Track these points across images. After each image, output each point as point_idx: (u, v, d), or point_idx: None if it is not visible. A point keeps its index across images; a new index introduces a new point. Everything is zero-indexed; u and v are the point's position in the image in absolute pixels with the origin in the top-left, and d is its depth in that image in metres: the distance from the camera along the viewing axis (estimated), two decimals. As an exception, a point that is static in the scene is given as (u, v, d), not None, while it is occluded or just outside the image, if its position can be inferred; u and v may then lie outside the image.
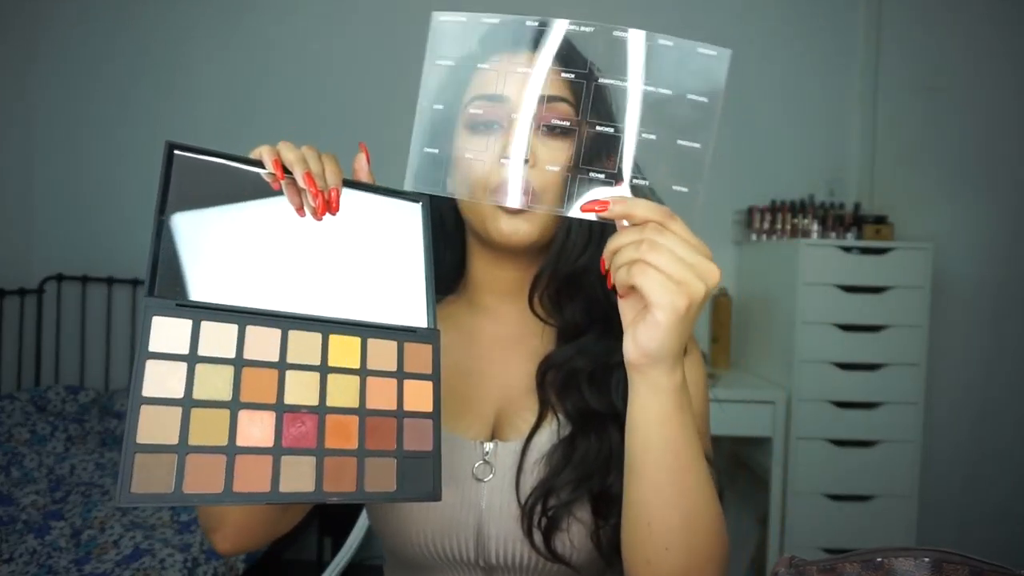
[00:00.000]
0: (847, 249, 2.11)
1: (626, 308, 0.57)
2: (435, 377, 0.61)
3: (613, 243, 0.54)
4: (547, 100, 0.68)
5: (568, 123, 0.69)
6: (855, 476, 2.09)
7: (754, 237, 2.45)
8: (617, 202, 0.55)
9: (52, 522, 1.70)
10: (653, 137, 0.57)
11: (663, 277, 0.52)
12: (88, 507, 1.79)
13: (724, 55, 0.55)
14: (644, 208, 0.54)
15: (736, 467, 2.53)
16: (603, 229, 0.71)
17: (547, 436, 0.73)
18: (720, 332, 2.47)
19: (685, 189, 0.55)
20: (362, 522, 1.86)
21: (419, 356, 0.61)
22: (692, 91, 0.56)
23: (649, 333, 0.54)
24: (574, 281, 0.74)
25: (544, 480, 0.70)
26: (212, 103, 2.63)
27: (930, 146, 2.40)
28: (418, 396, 0.60)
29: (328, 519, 2.36)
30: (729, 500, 2.53)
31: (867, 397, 2.09)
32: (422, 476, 0.58)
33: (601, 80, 0.60)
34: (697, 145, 0.55)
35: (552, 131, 0.69)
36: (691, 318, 0.54)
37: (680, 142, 0.55)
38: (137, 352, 0.52)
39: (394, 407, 0.59)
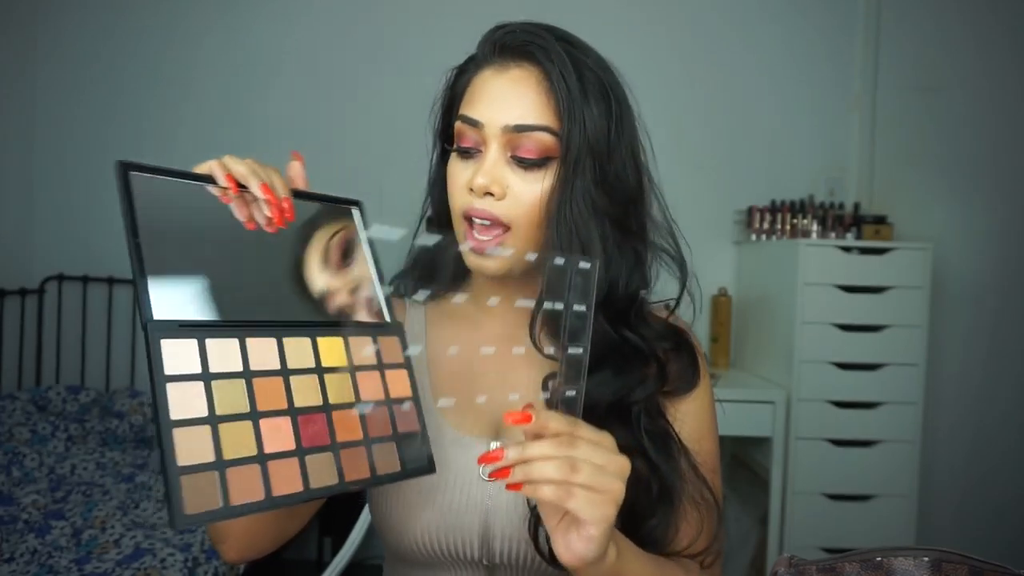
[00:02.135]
0: (847, 249, 2.11)
1: (549, 513, 0.57)
2: (408, 365, 0.66)
3: (527, 453, 0.54)
4: (524, 128, 0.68)
5: (547, 157, 0.69)
6: (855, 476, 2.09)
7: (754, 237, 2.45)
8: (538, 417, 0.56)
9: (53, 522, 1.70)
10: (551, 350, 0.64)
11: (590, 494, 0.53)
12: (89, 507, 1.79)
13: (595, 265, 0.62)
14: (556, 421, 0.55)
15: (736, 467, 2.53)
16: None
17: None
18: (720, 332, 2.47)
19: (573, 393, 0.62)
20: (362, 522, 1.86)
21: (391, 348, 0.66)
22: (576, 303, 0.63)
23: (585, 545, 0.54)
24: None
25: None
26: (213, 103, 2.63)
27: (930, 146, 2.40)
28: (398, 383, 0.64)
29: (328, 519, 2.36)
30: (729, 500, 2.54)
31: (867, 397, 2.09)
32: (418, 454, 0.63)
33: (520, 303, 0.68)
34: (580, 351, 0.63)
35: (523, 162, 0.69)
36: (615, 516, 0.55)
37: (569, 350, 0.63)
38: (154, 377, 0.52)
39: (383, 396, 0.63)
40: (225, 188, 0.60)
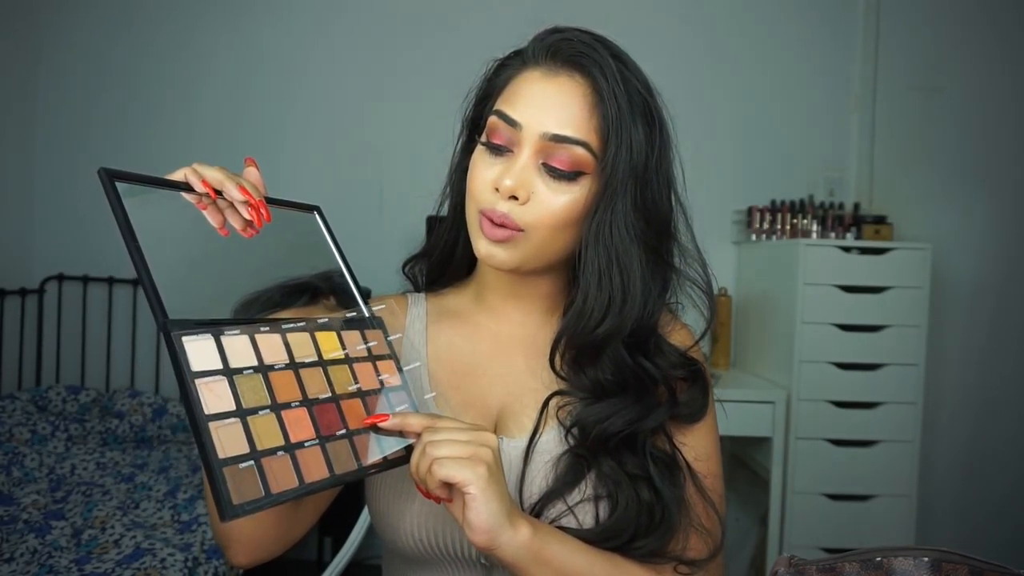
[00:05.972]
0: (847, 249, 2.11)
1: (455, 510, 0.62)
2: (393, 355, 0.70)
3: (412, 466, 0.61)
4: (562, 139, 0.67)
5: (578, 172, 0.68)
6: (855, 476, 2.09)
7: (754, 237, 2.45)
8: (395, 417, 0.63)
9: (53, 522, 1.70)
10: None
11: (455, 460, 0.58)
12: (89, 507, 1.79)
13: None
14: (416, 419, 0.63)
15: (736, 467, 2.53)
16: (624, 297, 0.70)
17: (553, 435, 0.73)
18: (720, 332, 2.48)
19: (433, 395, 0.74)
20: (362, 522, 1.86)
21: (377, 339, 0.69)
22: None
23: (474, 509, 0.59)
24: (594, 348, 0.72)
25: (554, 490, 0.70)
26: (213, 104, 2.63)
27: (929, 146, 2.40)
28: (388, 372, 0.68)
29: (328, 519, 2.36)
30: (729, 500, 2.53)
31: (866, 397, 2.09)
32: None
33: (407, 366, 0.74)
34: None
35: (554, 172, 0.68)
36: (496, 480, 0.60)
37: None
38: (183, 375, 0.52)
39: (378, 385, 0.66)
40: (202, 194, 0.60)
